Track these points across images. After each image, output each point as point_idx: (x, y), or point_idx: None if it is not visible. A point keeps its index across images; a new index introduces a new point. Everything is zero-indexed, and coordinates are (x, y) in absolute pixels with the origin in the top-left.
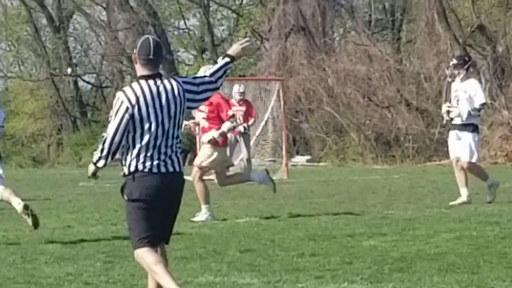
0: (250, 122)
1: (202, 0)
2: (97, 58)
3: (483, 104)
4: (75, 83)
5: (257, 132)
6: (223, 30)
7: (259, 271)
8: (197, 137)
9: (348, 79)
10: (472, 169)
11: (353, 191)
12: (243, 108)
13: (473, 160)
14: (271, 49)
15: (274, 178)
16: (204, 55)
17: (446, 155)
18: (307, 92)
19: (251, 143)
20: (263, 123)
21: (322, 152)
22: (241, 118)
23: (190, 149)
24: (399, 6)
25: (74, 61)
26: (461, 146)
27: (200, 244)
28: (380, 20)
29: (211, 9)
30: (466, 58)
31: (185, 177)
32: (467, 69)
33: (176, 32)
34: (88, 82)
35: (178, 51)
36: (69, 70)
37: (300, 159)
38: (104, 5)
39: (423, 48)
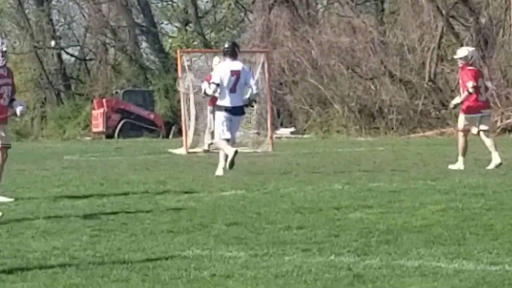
0: None
1: None
2: (80, 30)
3: None
4: (59, 56)
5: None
6: (207, 2)
7: (246, 244)
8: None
9: (331, 51)
10: None
11: (338, 163)
12: None
13: None
14: (255, 21)
15: (259, 150)
16: (187, 27)
17: (430, 126)
18: (291, 64)
19: None
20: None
21: (306, 124)
22: None
23: (174, 122)
24: None
25: (58, 33)
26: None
27: (186, 218)
28: None
29: None
30: None
31: (171, 150)
32: None
33: (159, 4)
34: (71, 55)
35: (162, 23)
36: (52, 43)
37: (284, 131)
38: None
39: (406, 19)
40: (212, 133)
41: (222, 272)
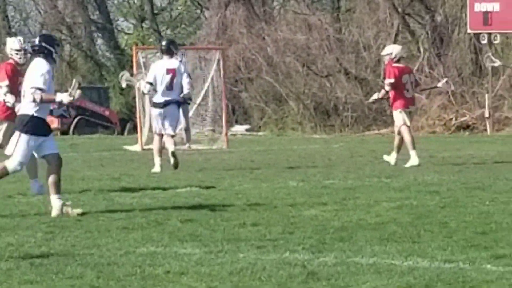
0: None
1: None
2: (36, 27)
3: None
4: None
5: (197, 102)
6: None
7: (201, 241)
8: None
9: (287, 48)
10: None
11: (293, 160)
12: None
13: None
14: (211, 18)
15: (214, 147)
16: (143, 24)
17: (385, 124)
18: (246, 61)
19: (191, 112)
20: (203, 92)
21: (262, 121)
22: None
23: (129, 119)
24: None
25: (13, 30)
26: None
27: (141, 214)
28: None
29: None
30: None
31: (126, 147)
32: None
33: (115, 1)
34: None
35: (118, 20)
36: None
37: (239, 129)
38: None
39: (362, 17)
40: (186, 130)
41: (177, 269)
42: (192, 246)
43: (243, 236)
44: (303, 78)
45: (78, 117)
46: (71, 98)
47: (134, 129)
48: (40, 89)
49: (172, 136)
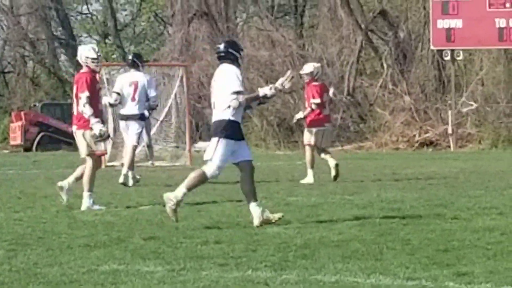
0: None
1: None
2: None
3: None
4: None
5: (161, 118)
6: (126, 15)
7: (163, 258)
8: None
9: (251, 64)
10: None
11: (256, 177)
12: None
13: None
14: (174, 34)
15: (177, 164)
16: (107, 40)
17: (348, 140)
18: (210, 78)
19: (154, 129)
20: (166, 108)
21: None
22: None
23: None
24: None
25: None
26: None
27: (103, 232)
28: (283, 5)
29: None
30: None
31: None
32: None
33: (79, 17)
34: None
35: (81, 36)
36: None
37: (203, 145)
38: None
39: (326, 33)
40: (148, 147)
41: (139, 287)
42: (155, 264)
43: (206, 253)
44: None
45: (42, 134)
46: (281, 88)
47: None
48: (239, 92)
49: (135, 147)
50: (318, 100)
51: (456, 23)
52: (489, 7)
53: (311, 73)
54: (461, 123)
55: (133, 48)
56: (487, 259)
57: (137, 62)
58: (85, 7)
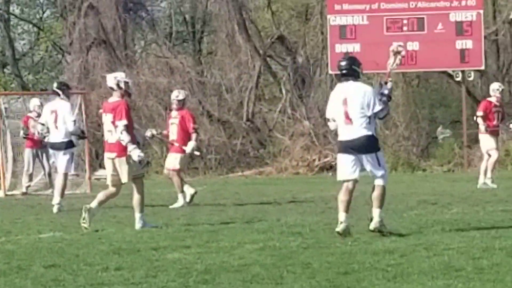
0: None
1: (2, 14)
2: None
3: None
4: None
5: None
6: (24, 44)
7: (64, 286)
8: None
9: (149, 92)
10: None
11: (156, 204)
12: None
13: None
14: (72, 62)
15: (77, 192)
16: (5, 70)
17: (249, 166)
18: None
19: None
20: None
21: None
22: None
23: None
24: (199, 18)
25: None
26: None
27: (3, 260)
28: (181, 32)
29: (11, 23)
30: None
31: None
32: None
33: None
34: None
35: None
36: None
37: (104, 173)
38: None
39: (224, 59)
40: (30, 175)
41: None
42: None
43: (106, 280)
44: (165, 122)
45: None
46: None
47: None
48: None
49: (65, 175)
50: (196, 126)
51: (353, 47)
52: (387, 31)
53: (184, 100)
54: None
55: (31, 77)
56: (387, 281)
57: (56, 91)
58: None
